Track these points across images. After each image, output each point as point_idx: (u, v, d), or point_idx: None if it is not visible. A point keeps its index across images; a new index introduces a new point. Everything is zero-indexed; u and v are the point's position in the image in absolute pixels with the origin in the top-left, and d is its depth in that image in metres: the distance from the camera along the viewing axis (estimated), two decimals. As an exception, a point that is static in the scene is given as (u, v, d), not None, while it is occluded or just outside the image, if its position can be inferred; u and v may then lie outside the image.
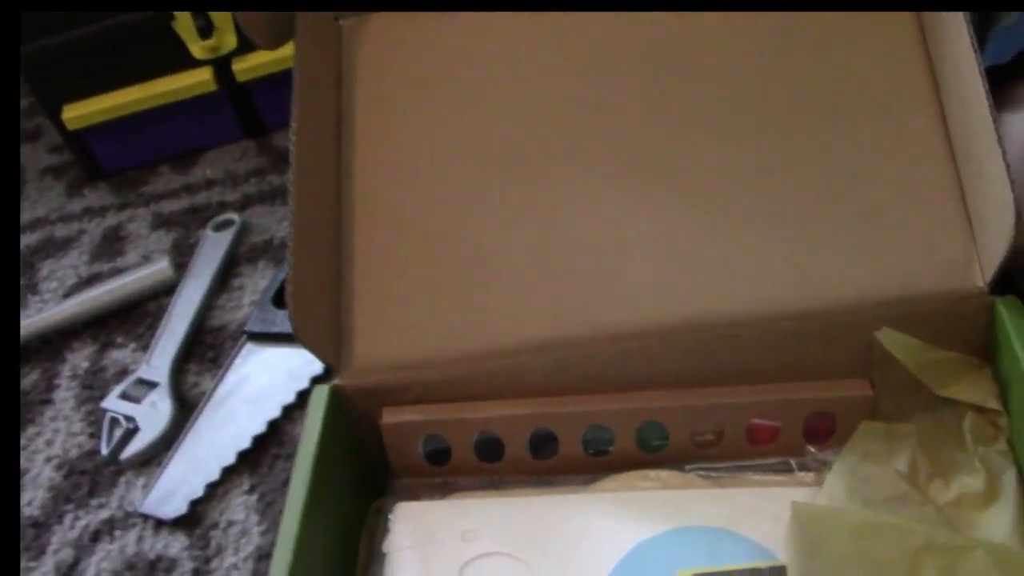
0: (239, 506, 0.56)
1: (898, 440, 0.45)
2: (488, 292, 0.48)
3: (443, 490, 0.49)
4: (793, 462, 0.48)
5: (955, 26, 0.45)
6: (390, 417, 0.48)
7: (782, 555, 0.43)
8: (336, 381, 0.48)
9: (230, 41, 0.78)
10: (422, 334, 0.48)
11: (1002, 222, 0.42)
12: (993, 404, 0.44)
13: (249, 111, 0.83)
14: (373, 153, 0.52)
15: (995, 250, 0.43)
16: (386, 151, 0.52)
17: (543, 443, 0.49)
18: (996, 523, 0.42)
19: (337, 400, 0.47)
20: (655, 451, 0.49)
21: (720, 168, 0.48)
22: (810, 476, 0.47)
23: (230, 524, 0.56)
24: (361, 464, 0.49)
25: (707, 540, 0.44)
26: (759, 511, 0.45)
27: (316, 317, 0.47)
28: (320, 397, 0.47)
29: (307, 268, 0.47)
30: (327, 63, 0.53)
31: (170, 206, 0.81)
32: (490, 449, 0.49)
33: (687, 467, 0.48)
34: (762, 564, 0.43)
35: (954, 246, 0.45)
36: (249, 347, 0.65)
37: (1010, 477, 0.43)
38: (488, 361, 0.47)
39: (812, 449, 0.47)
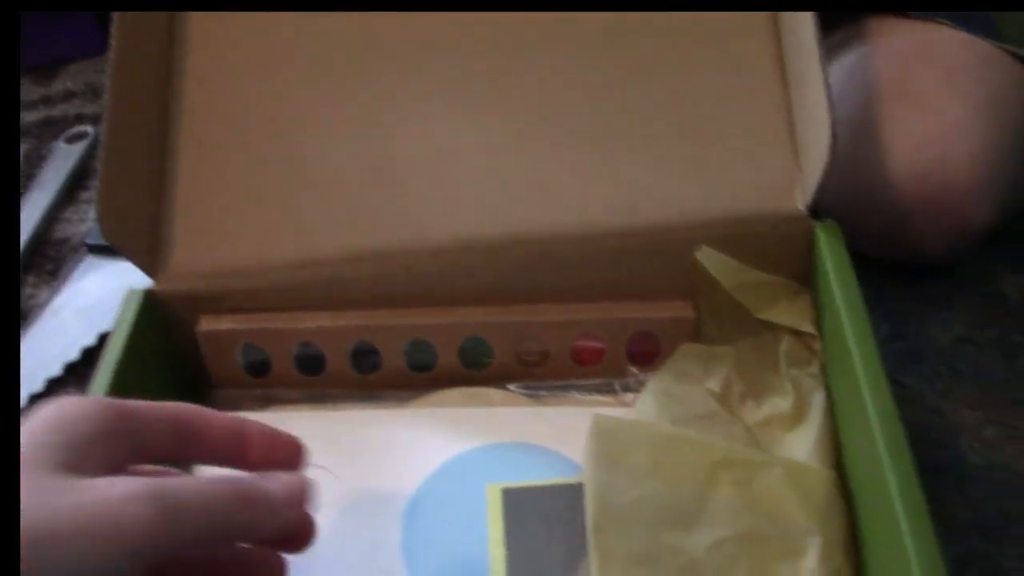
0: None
1: (715, 361, 0.45)
2: (310, 202, 0.46)
3: (264, 402, 0.48)
4: (617, 383, 0.47)
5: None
6: (207, 325, 0.47)
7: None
8: (151, 286, 0.46)
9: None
10: (243, 242, 0.46)
11: (820, 144, 0.42)
12: (808, 328, 0.44)
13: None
14: (203, 59, 0.50)
15: (814, 173, 0.43)
16: (217, 57, 0.50)
17: (367, 357, 0.48)
18: (799, 442, 0.42)
19: (151, 305, 0.46)
20: (480, 368, 0.48)
21: (548, 85, 0.47)
22: (631, 396, 0.47)
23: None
24: (179, 373, 0.48)
25: (520, 456, 0.44)
26: (575, 429, 0.45)
27: (130, 218, 0.46)
28: (132, 301, 0.45)
29: (121, 168, 0.45)
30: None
31: (26, 117, 0.77)
32: (312, 362, 0.48)
33: (511, 385, 0.48)
34: (573, 480, 0.43)
35: (778, 169, 0.45)
36: (90, 260, 0.63)
37: (819, 399, 0.43)
38: (308, 270, 0.46)
39: (635, 370, 0.47)
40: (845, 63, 0.54)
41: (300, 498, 0.33)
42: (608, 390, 0.47)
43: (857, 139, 0.51)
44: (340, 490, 0.43)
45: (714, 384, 0.44)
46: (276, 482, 0.32)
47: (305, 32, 0.49)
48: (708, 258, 0.44)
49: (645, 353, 0.47)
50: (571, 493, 0.42)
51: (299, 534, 0.35)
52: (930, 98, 0.51)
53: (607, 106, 0.46)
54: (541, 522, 0.41)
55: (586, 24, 0.48)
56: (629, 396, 0.47)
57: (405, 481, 0.43)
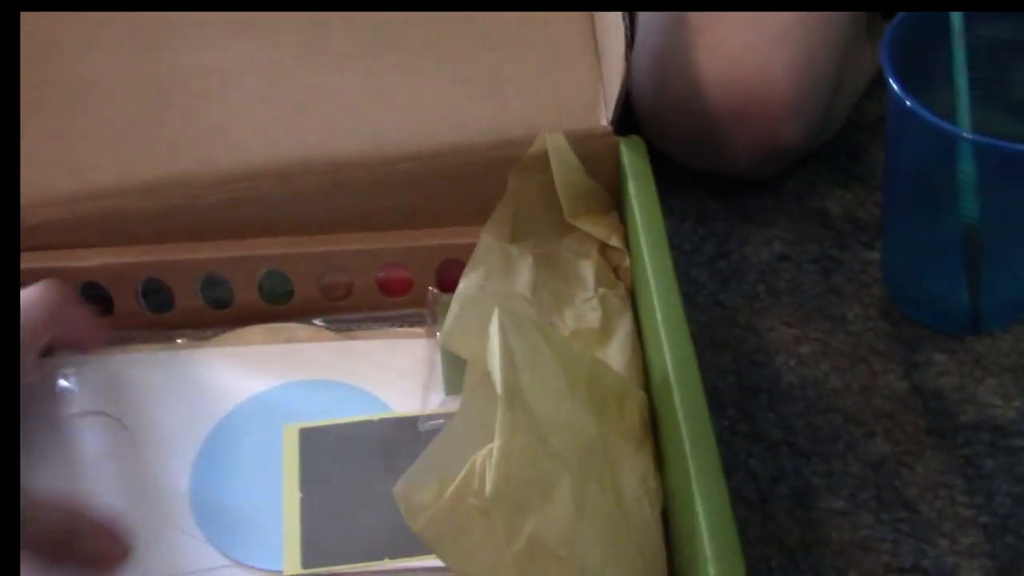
0: None
1: (518, 262, 0.43)
2: (83, 128, 0.43)
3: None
4: (427, 313, 0.46)
5: None
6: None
7: (396, 408, 0.41)
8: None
9: None
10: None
11: (617, 55, 0.40)
12: (616, 243, 0.43)
13: None
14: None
15: (614, 87, 0.41)
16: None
17: (160, 295, 0.45)
18: (611, 362, 0.41)
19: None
20: (283, 303, 0.46)
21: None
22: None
23: None
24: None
25: (319, 393, 0.42)
26: (376, 363, 0.43)
27: None
28: None
29: None
30: None
31: None
32: (101, 301, 0.45)
33: (316, 320, 0.45)
34: (374, 416, 0.41)
35: (582, 84, 0.43)
36: None
37: (626, 320, 0.42)
38: (84, 204, 0.43)
39: (437, 292, 0.45)
40: None
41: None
42: (419, 321, 0.45)
43: (673, 39, 0.50)
44: (128, 439, 0.40)
45: (523, 287, 0.42)
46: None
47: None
48: (554, 143, 0.42)
49: (454, 279, 0.46)
50: (369, 428, 0.40)
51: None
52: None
53: (398, 21, 0.44)
54: (337, 459, 0.39)
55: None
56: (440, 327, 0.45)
57: (198, 425, 0.41)
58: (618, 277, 0.44)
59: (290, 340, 0.45)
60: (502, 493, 0.28)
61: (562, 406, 0.32)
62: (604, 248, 0.44)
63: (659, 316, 0.36)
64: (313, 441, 0.40)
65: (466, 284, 0.41)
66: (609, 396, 0.36)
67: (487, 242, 0.42)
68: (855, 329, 0.48)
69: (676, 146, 0.52)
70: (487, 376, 0.32)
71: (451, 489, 0.29)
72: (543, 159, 0.42)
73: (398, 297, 0.46)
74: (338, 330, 0.45)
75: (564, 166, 0.42)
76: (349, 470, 0.39)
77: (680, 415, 0.33)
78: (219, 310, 0.45)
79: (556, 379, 0.33)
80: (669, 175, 0.47)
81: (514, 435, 0.29)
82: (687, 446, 0.32)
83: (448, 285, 0.45)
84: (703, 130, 0.50)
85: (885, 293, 0.49)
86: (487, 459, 0.29)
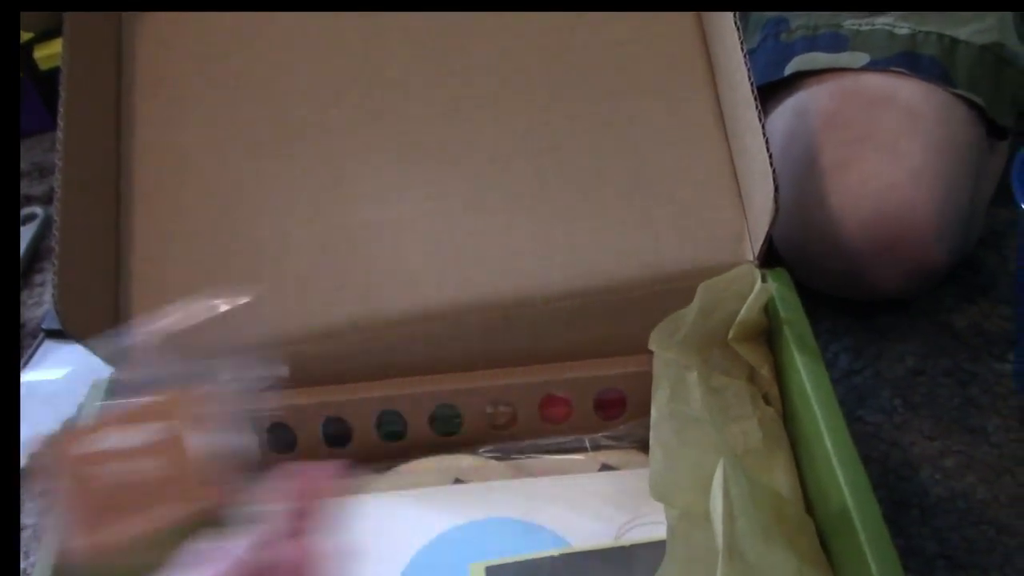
0: (31, 511, 0.54)
1: (686, 377, 0.44)
2: (266, 280, 0.47)
3: (236, 483, 0.48)
4: (587, 440, 0.48)
5: (726, 21, 0.46)
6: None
7: (574, 541, 0.43)
8: (115, 374, 0.46)
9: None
10: (202, 325, 0.46)
11: (764, 194, 0.43)
12: (767, 372, 0.45)
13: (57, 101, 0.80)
14: (153, 141, 0.50)
15: (761, 223, 0.44)
16: (166, 139, 0.50)
17: (338, 432, 0.48)
18: (780, 485, 0.42)
19: (115, 393, 0.45)
20: (451, 434, 0.48)
21: (500, 148, 0.48)
22: (603, 454, 0.48)
23: (21, 528, 0.53)
24: (148, 460, 0.48)
25: (499, 531, 0.44)
26: (553, 499, 0.45)
27: (88, 308, 0.46)
28: (97, 392, 0.45)
29: (76, 257, 0.45)
30: (103, 51, 0.51)
31: (-27, 201, 0.77)
32: (281, 439, 0.48)
33: (482, 450, 0.48)
34: (555, 552, 0.43)
35: (726, 221, 0.46)
36: (48, 345, 0.62)
37: (785, 444, 0.44)
38: (272, 350, 0.46)
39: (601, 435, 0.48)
40: (792, 103, 0.55)
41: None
42: (578, 447, 0.48)
43: (813, 179, 0.52)
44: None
45: (698, 408, 0.43)
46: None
47: (254, 110, 0.50)
48: (751, 278, 0.44)
49: (612, 405, 0.48)
50: (551, 564, 0.42)
51: None
52: (894, 141, 0.51)
53: (555, 167, 0.47)
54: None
55: (530, 85, 0.49)
56: (601, 454, 0.48)
57: (388, 570, 0.43)
58: (767, 402, 0.46)
59: (460, 472, 0.47)
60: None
61: (769, 548, 0.34)
62: (752, 373, 0.46)
63: (828, 442, 0.38)
64: None
65: (657, 409, 0.42)
66: (794, 527, 0.38)
67: (662, 358, 0.44)
68: (997, 440, 0.50)
69: (818, 278, 0.54)
70: (693, 521, 0.35)
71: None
72: (731, 283, 0.44)
73: (559, 424, 0.48)
74: (502, 459, 0.48)
75: (756, 300, 0.44)
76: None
77: (863, 540, 0.35)
78: (393, 442, 0.48)
79: (761, 520, 0.35)
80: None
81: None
82: (874, 570, 0.34)
83: (607, 410, 0.48)
84: (848, 263, 0.52)
85: (1023, 404, 0.51)
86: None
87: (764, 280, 0.45)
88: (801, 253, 0.53)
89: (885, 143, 0.51)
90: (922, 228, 0.50)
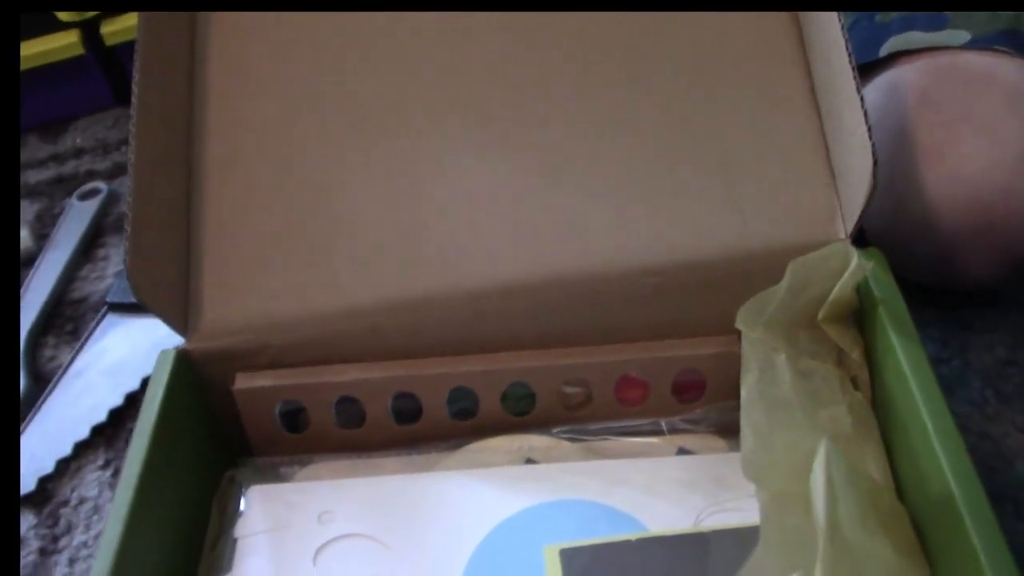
0: (92, 482, 0.53)
1: (774, 358, 0.43)
2: (342, 252, 0.46)
3: (302, 458, 0.47)
4: (663, 423, 0.47)
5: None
6: (243, 382, 0.46)
7: (651, 525, 0.42)
8: (183, 345, 0.45)
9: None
10: (275, 296, 0.46)
11: (861, 171, 0.41)
12: (857, 356, 0.43)
13: (121, 76, 0.80)
14: (225, 113, 0.49)
15: (855, 200, 0.42)
16: (239, 111, 0.49)
17: (408, 408, 0.47)
18: (869, 469, 0.41)
19: (184, 365, 0.45)
20: (523, 413, 0.47)
21: (579, 123, 0.46)
22: (679, 437, 0.46)
23: (82, 501, 0.52)
24: (214, 432, 0.47)
25: (574, 513, 0.43)
26: (626, 482, 0.44)
27: (160, 278, 0.45)
28: (165, 362, 0.44)
29: (149, 227, 0.44)
30: (178, 25, 0.50)
31: (36, 176, 0.77)
32: (351, 415, 0.47)
33: (555, 430, 0.47)
34: (631, 536, 0.41)
35: (817, 198, 0.44)
36: (111, 319, 0.62)
37: (874, 428, 0.42)
38: (343, 322, 0.45)
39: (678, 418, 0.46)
40: (884, 80, 0.53)
41: None
42: (654, 430, 0.46)
43: (905, 159, 0.50)
44: (392, 561, 0.42)
45: (789, 392, 0.42)
46: None
47: (327, 82, 0.49)
48: (847, 256, 0.42)
49: (690, 388, 0.47)
50: (628, 548, 0.41)
51: None
52: (994, 123, 0.49)
53: (640, 142, 0.46)
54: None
55: (611, 60, 0.48)
56: (678, 437, 0.46)
57: (459, 548, 0.42)
58: (855, 387, 0.44)
59: (531, 451, 0.46)
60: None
61: (868, 533, 0.33)
62: (841, 356, 0.44)
63: (930, 427, 0.36)
64: (574, 562, 0.41)
65: (747, 389, 0.41)
66: (888, 515, 0.36)
67: (750, 337, 0.42)
68: (1094, 435, 0.47)
69: (906, 264, 0.52)
70: (786, 503, 0.33)
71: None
72: (824, 261, 0.42)
73: (635, 407, 0.47)
74: (575, 439, 0.47)
75: (852, 278, 0.42)
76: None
77: (970, 529, 0.33)
78: (463, 420, 0.47)
79: (860, 505, 0.33)
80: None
81: (836, 569, 0.29)
82: (984, 562, 0.32)
83: (684, 392, 0.47)
84: (940, 248, 0.50)
85: (1120, 397, 0.49)
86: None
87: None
88: (890, 237, 0.51)
89: (983, 125, 0.49)
90: (1020, 211, 0.48)
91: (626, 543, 0.41)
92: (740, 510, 0.42)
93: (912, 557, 0.37)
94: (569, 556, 0.41)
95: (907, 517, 0.38)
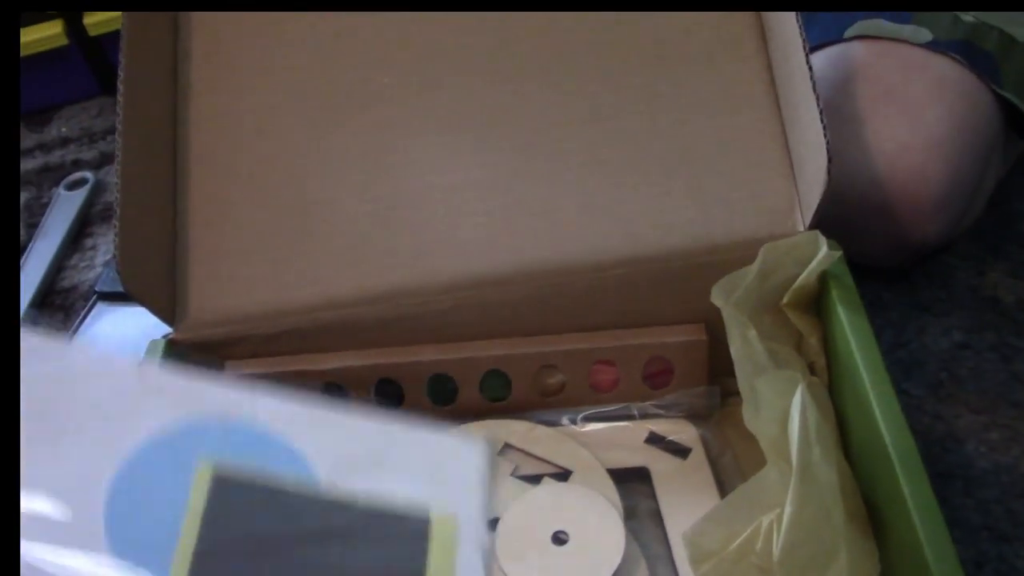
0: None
1: (748, 334, 0.45)
2: (322, 243, 0.48)
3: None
4: (635, 408, 0.49)
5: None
6: (231, 371, 0.48)
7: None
8: (172, 335, 0.47)
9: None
10: (258, 287, 0.47)
11: (817, 166, 0.43)
12: (815, 343, 0.46)
13: (105, 66, 0.81)
14: (208, 107, 0.51)
15: (812, 194, 0.44)
16: (221, 105, 0.51)
17: (391, 393, 0.49)
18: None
19: (173, 353, 0.46)
20: (501, 400, 0.49)
21: (547, 117, 0.48)
22: (651, 422, 0.48)
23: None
24: (203, 420, 0.49)
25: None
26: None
27: (148, 269, 0.47)
28: (155, 351, 0.46)
29: (136, 220, 0.46)
30: (161, 24, 0.52)
31: (23, 165, 0.78)
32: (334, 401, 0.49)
33: (530, 416, 0.49)
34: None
35: (777, 192, 0.46)
36: (100, 307, 0.63)
37: (830, 414, 0.44)
38: (325, 312, 0.47)
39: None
40: (834, 51, 0.54)
41: None
42: (626, 415, 0.49)
43: (832, 126, 0.52)
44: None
45: (764, 361, 0.44)
46: None
47: (305, 77, 0.51)
48: (816, 245, 0.44)
49: (659, 375, 0.49)
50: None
51: None
52: (921, 107, 0.51)
53: (604, 136, 0.48)
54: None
55: (579, 54, 0.49)
56: (648, 422, 0.48)
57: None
58: (813, 372, 0.46)
59: (509, 436, 0.48)
60: (787, 559, 0.31)
61: (843, 478, 0.35)
62: (800, 342, 0.46)
63: (876, 408, 0.39)
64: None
65: (735, 353, 0.42)
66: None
67: (726, 311, 0.44)
68: (1042, 415, 0.50)
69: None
70: (777, 446, 0.35)
71: (736, 543, 0.32)
72: (794, 247, 0.44)
73: (607, 392, 0.49)
74: (550, 425, 0.49)
75: (818, 266, 0.43)
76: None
77: (911, 507, 0.36)
78: (443, 407, 0.49)
79: (838, 452, 0.36)
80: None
81: (804, 506, 0.32)
82: (923, 540, 0.35)
83: (653, 379, 0.49)
84: (846, 220, 0.51)
85: (1068, 379, 0.51)
86: (775, 523, 0.32)
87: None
88: None
89: (908, 106, 0.51)
90: (926, 196, 0.50)
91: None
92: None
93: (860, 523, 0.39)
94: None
95: (859, 493, 0.40)
